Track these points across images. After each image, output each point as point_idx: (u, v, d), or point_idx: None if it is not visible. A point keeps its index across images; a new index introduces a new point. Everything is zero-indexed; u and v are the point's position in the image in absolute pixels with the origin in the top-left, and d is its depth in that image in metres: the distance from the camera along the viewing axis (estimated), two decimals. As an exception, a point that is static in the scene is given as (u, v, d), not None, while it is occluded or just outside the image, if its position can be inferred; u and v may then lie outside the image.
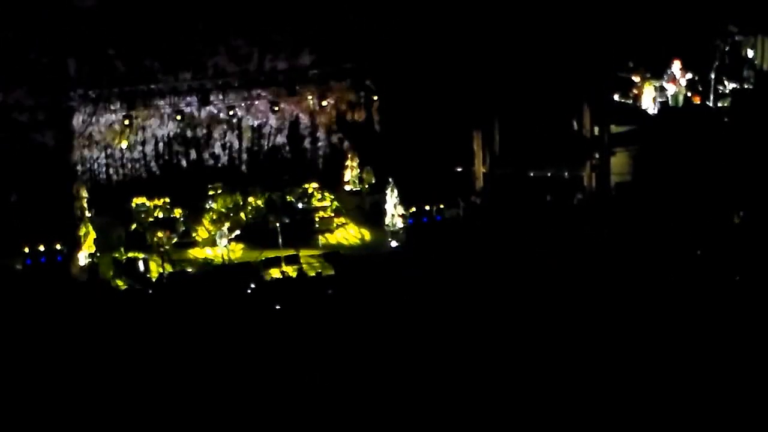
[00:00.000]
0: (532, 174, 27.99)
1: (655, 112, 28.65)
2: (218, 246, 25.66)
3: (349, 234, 26.99)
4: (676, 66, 28.31)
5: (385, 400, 17.29)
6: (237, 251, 25.92)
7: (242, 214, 27.07)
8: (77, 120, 25.83)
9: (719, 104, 28.42)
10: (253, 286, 23.68)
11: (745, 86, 28.44)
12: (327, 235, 26.87)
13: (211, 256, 25.98)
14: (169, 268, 24.99)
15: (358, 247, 26.45)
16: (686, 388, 16.88)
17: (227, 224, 26.27)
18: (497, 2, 27.18)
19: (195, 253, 26.25)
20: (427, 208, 26.21)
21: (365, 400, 17.36)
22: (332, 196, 28.16)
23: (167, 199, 27.20)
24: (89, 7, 24.43)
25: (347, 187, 28.96)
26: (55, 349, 19.76)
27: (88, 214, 25.95)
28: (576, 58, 27.27)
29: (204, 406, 17.57)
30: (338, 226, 27.28)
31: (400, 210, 26.36)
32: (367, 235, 26.93)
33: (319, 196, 28.02)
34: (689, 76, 28.43)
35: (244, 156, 27.61)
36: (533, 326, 19.60)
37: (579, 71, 27.37)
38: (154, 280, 24.51)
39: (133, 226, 26.42)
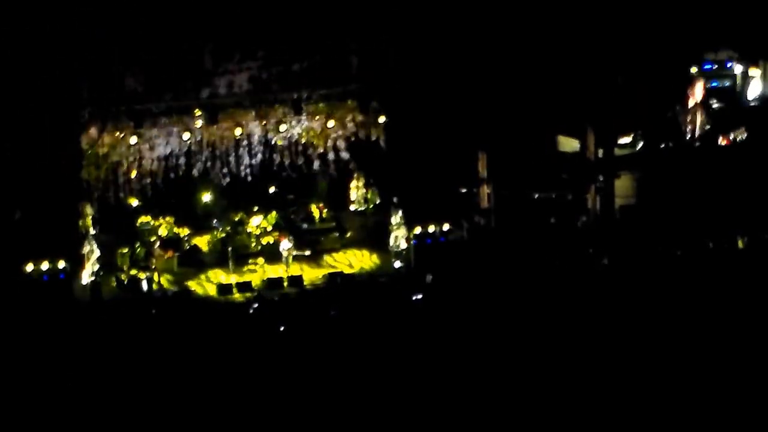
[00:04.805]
0: (536, 196, 28.03)
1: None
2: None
3: (354, 253, 26.95)
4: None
5: (388, 423, 17.29)
6: (241, 271, 25.98)
7: (247, 234, 27.12)
8: (84, 138, 25.81)
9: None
10: (256, 306, 23.69)
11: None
12: (333, 255, 26.89)
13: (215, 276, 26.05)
14: (170, 287, 25.05)
15: (362, 267, 26.45)
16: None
17: (234, 243, 26.36)
18: (503, 22, 27.28)
19: (199, 272, 26.29)
20: (432, 228, 26.21)
21: (369, 423, 17.36)
22: (337, 216, 28.16)
23: (172, 218, 27.19)
24: (100, 39, 24.55)
25: (352, 207, 28.93)
26: (55, 368, 19.75)
27: (92, 231, 25.88)
28: (580, 80, 27.35)
29: (205, 427, 17.57)
30: (343, 247, 27.29)
31: (405, 231, 26.35)
32: (372, 255, 26.90)
33: (324, 216, 28.03)
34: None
35: (249, 175, 27.58)
36: (539, 349, 19.58)
37: (584, 93, 27.44)
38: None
39: (138, 245, 26.41)
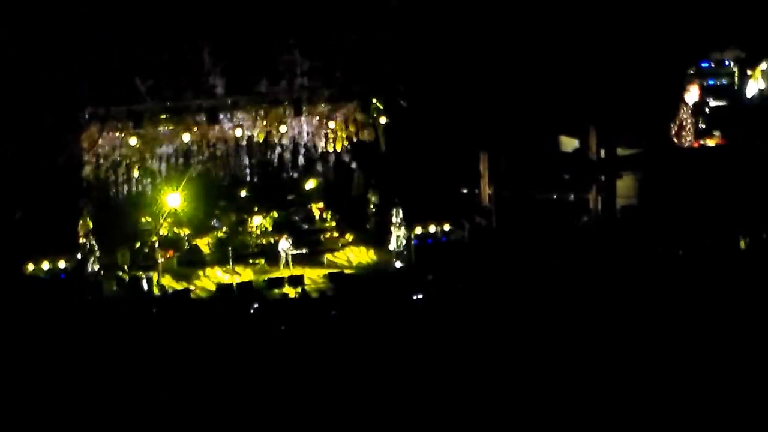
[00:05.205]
0: (537, 196, 27.99)
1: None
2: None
3: (354, 253, 26.93)
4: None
5: (389, 423, 17.23)
6: (241, 271, 25.92)
7: (247, 234, 27.08)
8: (85, 138, 25.81)
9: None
10: (256, 305, 23.65)
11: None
12: (334, 254, 26.86)
13: (216, 276, 26.01)
14: (171, 287, 25.01)
15: (363, 267, 26.43)
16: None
17: (234, 243, 26.32)
18: (504, 23, 27.26)
19: (200, 272, 26.27)
20: (432, 228, 26.15)
21: (369, 423, 17.30)
22: (338, 216, 28.14)
23: (172, 219, 27.17)
24: (100, 39, 24.57)
25: (352, 207, 28.90)
26: (56, 367, 19.71)
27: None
28: (583, 80, 27.30)
29: (205, 427, 17.52)
30: (343, 246, 27.27)
31: (405, 231, 26.30)
32: (372, 255, 26.89)
33: (325, 216, 28.00)
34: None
35: (249, 176, 27.58)
36: (540, 349, 19.51)
37: (586, 93, 27.39)
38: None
39: (138, 245, 26.39)
